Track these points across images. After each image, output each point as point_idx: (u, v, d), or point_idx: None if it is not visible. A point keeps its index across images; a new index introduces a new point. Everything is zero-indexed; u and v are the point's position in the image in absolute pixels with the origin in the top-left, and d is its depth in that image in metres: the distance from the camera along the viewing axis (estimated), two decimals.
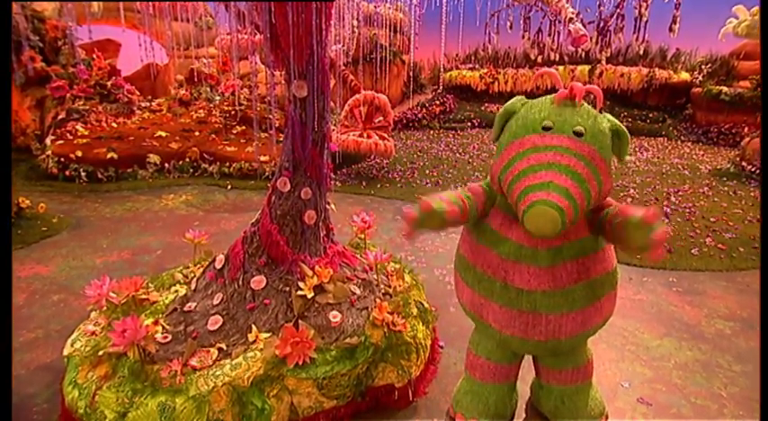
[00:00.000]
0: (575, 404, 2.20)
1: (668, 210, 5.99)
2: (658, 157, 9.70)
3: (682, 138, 12.30)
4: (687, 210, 6.00)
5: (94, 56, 8.67)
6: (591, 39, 5.74)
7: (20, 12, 6.77)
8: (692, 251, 4.64)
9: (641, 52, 13.42)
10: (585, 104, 1.79)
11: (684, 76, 13.00)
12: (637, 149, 10.51)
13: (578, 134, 1.69)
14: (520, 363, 2.27)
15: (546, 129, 1.72)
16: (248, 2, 2.41)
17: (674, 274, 4.17)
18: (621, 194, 6.73)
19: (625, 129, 1.83)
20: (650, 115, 13.21)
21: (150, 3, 6.10)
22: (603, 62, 13.13)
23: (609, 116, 1.84)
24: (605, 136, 1.74)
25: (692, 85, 12.71)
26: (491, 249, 1.94)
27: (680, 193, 6.87)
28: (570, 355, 2.15)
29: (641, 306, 3.59)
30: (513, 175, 1.71)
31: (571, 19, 3.10)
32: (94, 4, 8.03)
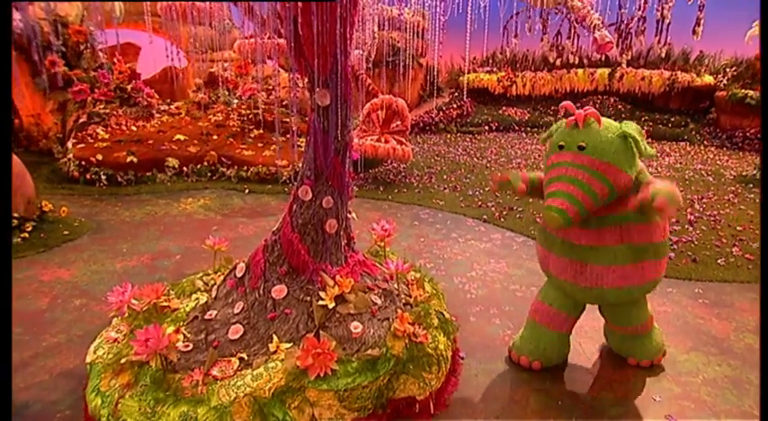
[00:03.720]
0: (633, 344, 2.85)
1: (692, 217, 5.86)
2: (681, 163, 9.52)
3: (705, 142, 12.06)
4: (712, 219, 5.87)
5: (115, 60, 8.78)
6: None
7: (45, 17, 6.89)
8: (719, 261, 4.53)
9: (663, 55, 13.23)
10: (595, 123, 2.42)
11: (708, 79, 12.75)
12: (658, 154, 10.32)
13: (581, 148, 2.37)
14: (575, 319, 2.82)
15: (560, 147, 2.46)
16: (273, 10, 2.40)
17: (700, 285, 4.07)
18: None
19: (631, 130, 2.39)
20: (672, 119, 12.98)
21: (172, 6, 6.16)
22: (624, 65, 12.95)
23: (622, 124, 2.45)
24: (608, 144, 2.36)
25: (716, 89, 12.45)
26: None
27: (704, 201, 6.72)
28: (629, 316, 2.73)
29: (666, 318, 3.50)
30: (544, 185, 2.52)
31: (596, 26, 3.05)
32: (117, 8, 8.14)
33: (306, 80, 2.49)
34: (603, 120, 2.46)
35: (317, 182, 2.52)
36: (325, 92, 2.40)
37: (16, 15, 5.02)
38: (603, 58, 13.36)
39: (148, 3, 7.99)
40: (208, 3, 6.24)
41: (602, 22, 2.98)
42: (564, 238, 2.58)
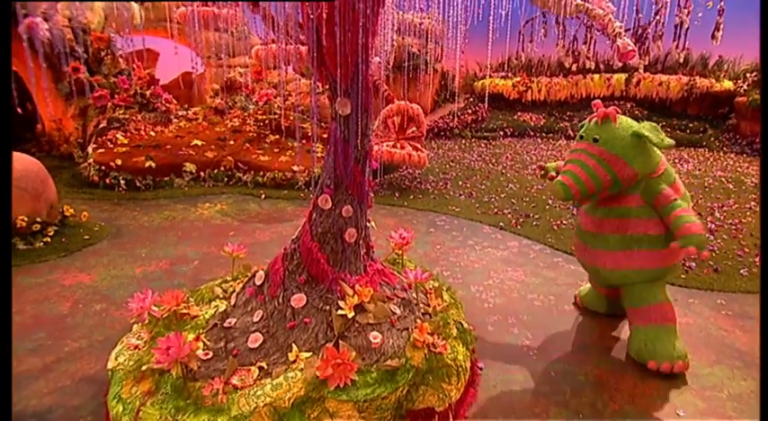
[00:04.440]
0: (654, 346, 2.90)
1: (713, 226, 5.77)
2: (700, 170, 9.38)
3: (724, 149, 11.86)
4: (733, 227, 5.77)
5: (134, 66, 8.90)
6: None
7: (68, 25, 7.02)
8: (741, 271, 4.44)
9: (681, 60, 13.06)
10: (614, 123, 2.81)
11: (727, 84, 12.55)
12: (677, 161, 10.18)
13: (595, 140, 2.82)
14: (608, 289, 3.42)
15: (581, 137, 2.94)
16: (295, 19, 2.42)
17: (723, 296, 3.99)
18: None
19: (644, 129, 2.73)
20: (690, 125, 12.79)
21: (191, 13, 6.23)
22: (641, 70, 12.81)
23: (640, 123, 2.82)
24: (620, 140, 2.76)
25: (736, 94, 12.26)
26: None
27: (724, 209, 6.61)
28: (640, 295, 2.98)
29: (688, 330, 3.43)
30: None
31: (618, 33, 3.02)
32: (137, 15, 8.26)
33: (326, 88, 2.50)
34: (624, 119, 2.86)
35: (337, 191, 2.52)
36: (345, 101, 2.40)
37: (43, 25, 5.13)
38: (620, 64, 13.24)
39: (168, 10, 8.10)
40: (227, 10, 6.30)
41: (626, 32, 2.96)
42: (579, 223, 3.20)
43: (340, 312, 2.40)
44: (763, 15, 2.31)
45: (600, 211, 3.00)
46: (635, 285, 2.99)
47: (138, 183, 6.74)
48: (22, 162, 4.58)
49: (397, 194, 6.95)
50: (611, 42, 2.93)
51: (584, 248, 3.14)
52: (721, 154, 11.48)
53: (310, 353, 2.31)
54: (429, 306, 2.82)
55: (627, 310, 3.11)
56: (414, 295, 2.80)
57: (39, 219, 4.55)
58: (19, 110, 8.23)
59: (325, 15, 2.12)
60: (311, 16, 2.14)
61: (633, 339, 3.04)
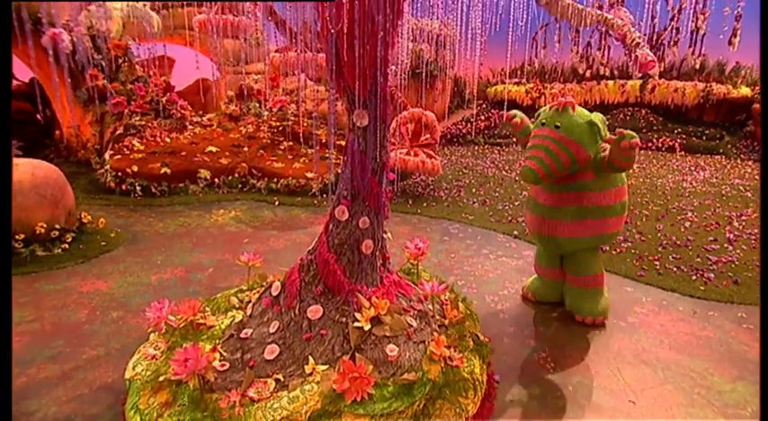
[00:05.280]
0: (584, 300, 3.54)
1: (731, 236, 5.67)
2: (717, 178, 9.24)
3: (742, 156, 11.68)
4: (753, 237, 5.66)
5: (151, 73, 9.00)
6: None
7: (86, 32, 7.13)
8: None
9: (697, 66, 12.93)
10: (572, 111, 3.21)
11: (745, 90, 12.37)
12: (693, 168, 10.05)
13: (557, 127, 3.19)
14: (555, 270, 3.74)
15: (543, 124, 3.29)
16: (314, 32, 2.42)
17: (744, 309, 3.91)
18: (679, 217, 6.42)
19: (597, 119, 3.22)
20: (707, 132, 12.62)
21: (207, 21, 6.29)
22: (656, 77, 12.69)
23: (592, 114, 3.27)
24: (578, 127, 3.17)
25: (754, 101, 12.08)
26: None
27: (743, 218, 6.49)
28: (582, 266, 3.52)
29: (708, 343, 3.37)
30: (527, 147, 3.36)
31: (638, 44, 2.99)
32: (154, 23, 8.37)
33: (344, 99, 2.50)
34: (578, 108, 3.26)
35: (354, 202, 2.52)
36: (363, 113, 2.40)
37: (65, 36, 5.22)
38: (639, 74, 13.11)
39: (186, 17, 8.21)
40: (243, 17, 6.36)
41: (646, 42, 2.93)
42: (535, 199, 3.57)
43: (356, 324, 2.39)
44: (763, 15, 2.28)
45: (557, 187, 3.39)
46: (579, 254, 3.51)
47: (153, 190, 6.81)
48: (43, 169, 4.65)
49: (410, 202, 6.94)
50: (631, 53, 2.90)
51: (542, 221, 3.50)
52: (739, 161, 11.30)
53: (327, 366, 2.30)
54: (445, 317, 2.80)
55: (567, 274, 3.63)
56: (430, 307, 2.78)
57: (57, 226, 4.61)
58: (39, 116, 8.36)
59: (345, 29, 2.12)
60: (331, 30, 2.15)
61: (567, 295, 3.66)
